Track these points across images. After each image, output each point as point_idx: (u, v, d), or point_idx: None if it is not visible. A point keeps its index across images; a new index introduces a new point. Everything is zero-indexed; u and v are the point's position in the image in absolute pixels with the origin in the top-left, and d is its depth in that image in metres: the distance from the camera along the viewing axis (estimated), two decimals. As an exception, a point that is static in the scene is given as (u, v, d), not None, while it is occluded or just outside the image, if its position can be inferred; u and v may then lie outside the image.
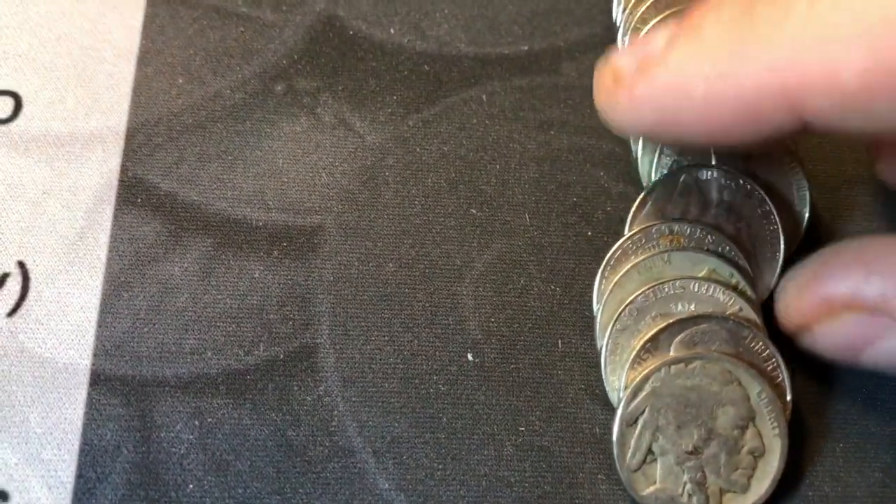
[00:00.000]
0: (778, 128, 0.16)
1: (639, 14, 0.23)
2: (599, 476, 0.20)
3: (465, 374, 0.20)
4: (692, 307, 0.18)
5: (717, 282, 0.18)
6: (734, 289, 0.18)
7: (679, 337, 0.17)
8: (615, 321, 0.18)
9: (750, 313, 0.18)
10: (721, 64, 0.16)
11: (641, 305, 0.18)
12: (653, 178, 0.21)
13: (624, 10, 0.24)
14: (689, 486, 0.18)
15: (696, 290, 0.18)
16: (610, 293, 0.19)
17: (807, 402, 0.20)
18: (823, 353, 0.19)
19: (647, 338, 0.18)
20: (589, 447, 0.20)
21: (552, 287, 0.22)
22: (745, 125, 0.17)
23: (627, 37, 0.24)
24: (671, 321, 0.18)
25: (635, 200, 0.22)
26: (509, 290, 0.22)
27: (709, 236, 0.19)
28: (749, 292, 0.19)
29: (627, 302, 0.18)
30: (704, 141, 0.18)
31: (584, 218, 0.23)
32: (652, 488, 0.18)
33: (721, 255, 0.19)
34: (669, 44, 0.18)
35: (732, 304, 0.18)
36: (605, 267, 0.20)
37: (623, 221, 0.23)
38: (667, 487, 0.18)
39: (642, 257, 0.19)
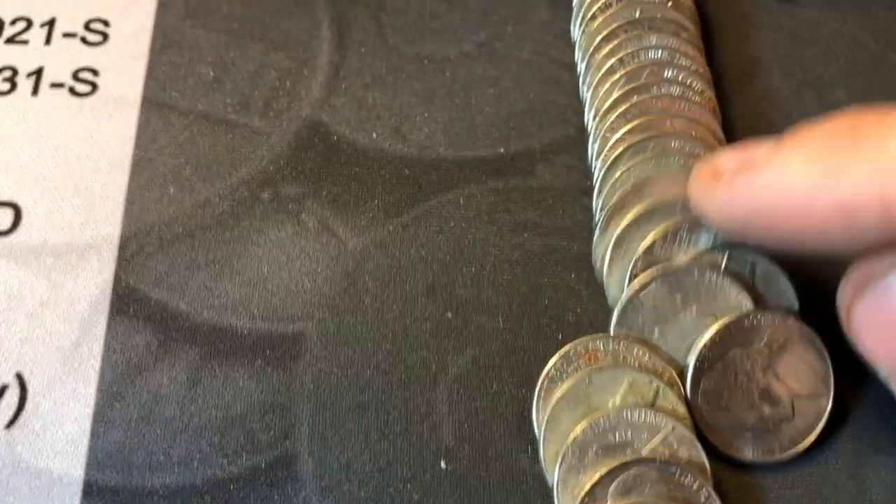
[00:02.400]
0: (871, 234, 0.18)
1: (608, 123, 0.24)
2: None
3: (439, 482, 0.21)
4: (629, 435, 0.19)
5: (645, 406, 0.20)
6: (653, 399, 0.20)
7: (612, 486, 0.18)
8: (561, 460, 0.19)
9: (682, 430, 0.19)
10: (823, 168, 0.18)
11: (581, 443, 0.19)
12: (624, 292, 0.22)
13: (595, 117, 0.25)
14: None
15: (629, 418, 0.19)
16: (547, 425, 0.20)
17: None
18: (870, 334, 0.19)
19: (583, 493, 0.19)
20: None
21: (523, 391, 0.23)
22: (839, 228, 0.18)
23: (597, 143, 0.25)
24: (602, 474, 0.19)
25: (602, 304, 0.23)
26: (482, 394, 0.23)
27: (622, 344, 0.21)
28: (675, 389, 0.20)
29: (569, 442, 0.19)
30: (796, 242, 0.19)
31: (555, 320, 0.24)
32: None
33: (639, 367, 0.20)
34: (774, 149, 0.19)
35: (664, 425, 0.19)
36: (537, 399, 0.21)
37: (592, 324, 0.24)
38: None
39: (568, 383, 0.20)
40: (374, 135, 0.27)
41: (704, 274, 0.20)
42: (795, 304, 0.21)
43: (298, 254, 0.25)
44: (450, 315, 0.24)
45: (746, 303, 0.21)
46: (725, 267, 0.20)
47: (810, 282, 0.22)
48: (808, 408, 0.21)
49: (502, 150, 0.27)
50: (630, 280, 0.21)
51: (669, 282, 0.21)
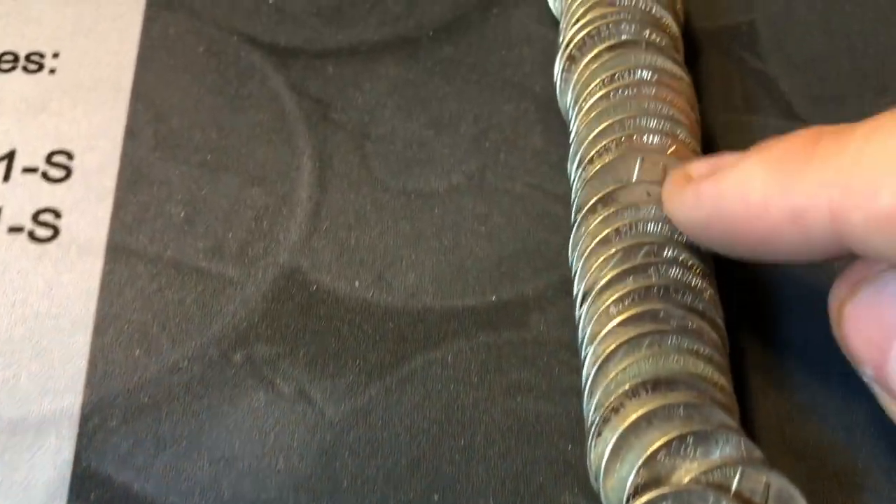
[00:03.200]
0: (821, 244, 0.19)
1: (602, 307, 0.22)
2: None
3: None
4: None
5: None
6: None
7: None
8: None
9: None
10: (779, 177, 0.19)
11: None
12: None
13: (586, 296, 0.23)
14: None
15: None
16: None
17: None
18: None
19: None
20: None
21: (515, 589, 0.21)
22: (791, 236, 0.19)
23: (590, 327, 0.23)
24: None
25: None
26: None
27: None
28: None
29: None
30: (752, 248, 0.20)
31: (550, 502, 0.22)
32: None
33: None
34: (740, 157, 0.20)
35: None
36: None
37: (590, 506, 0.22)
38: None
39: None
40: (357, 283, 0.25)
41: (720, 501, 0.18)
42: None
43: (272, 426, 0.23)
44: (436, 497, 0.22)
45: None
46: (737, 488, 0.19)
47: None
48: None
49: (493, 297, 0.25)
50: (631, 496, 0.19)
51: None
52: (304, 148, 0.27)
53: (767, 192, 0.19)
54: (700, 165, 0.22)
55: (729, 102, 0.28)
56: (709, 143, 0.26)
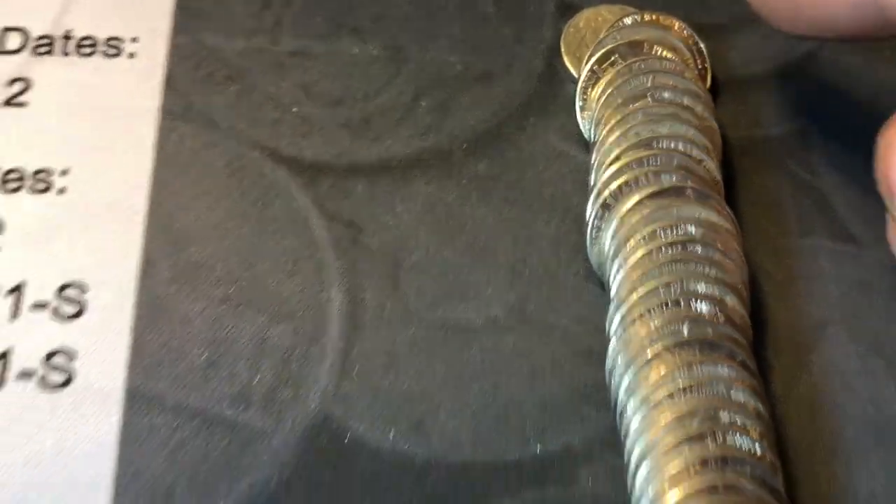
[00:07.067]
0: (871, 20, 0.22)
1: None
2: None
3: None
4: None
5: None
6: None
7: None
8: None
9: None
10: None
11: None
12: None
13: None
14: None
15: None
16: None
17: None
18: None
19: None
20: None
21: None
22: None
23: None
24: None
25: None
26: None
27: None
28: None
29: None
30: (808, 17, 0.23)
31: None
32: None
33: None
34: None
35: None
36: None
37: None
38: None
39: None
40: (392, 433, 0.23)
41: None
42: None
43: None
44: None
45: None
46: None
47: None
48: None
49: (538, 449, 0.23)
50: None
51: None
52: (333, 279, 0.25)
53: None
54: None
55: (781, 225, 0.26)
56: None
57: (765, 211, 0.26)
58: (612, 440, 0.23)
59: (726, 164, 0.26)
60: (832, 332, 0.25)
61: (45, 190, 0.25)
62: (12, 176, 0.26)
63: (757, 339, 0.24)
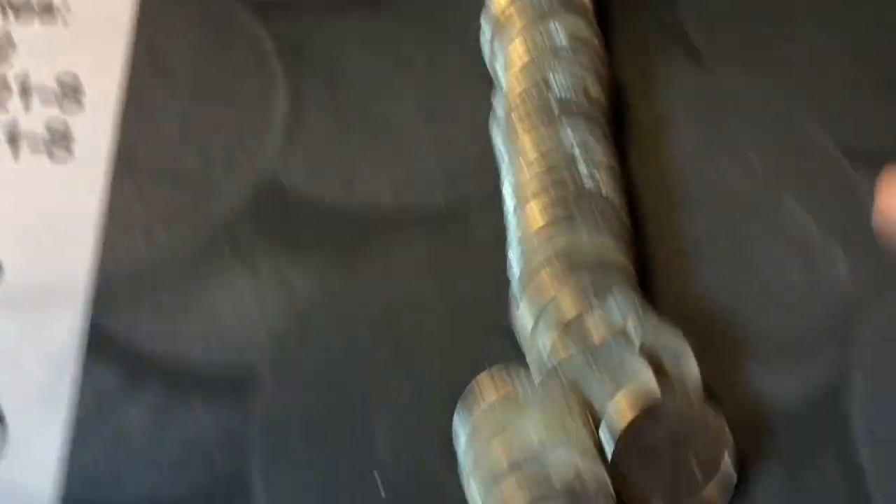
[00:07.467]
0: None
1: None
2: None
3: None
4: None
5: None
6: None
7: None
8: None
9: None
10: None
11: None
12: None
13: None
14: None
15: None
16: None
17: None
18: None
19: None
20: None
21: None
22: None
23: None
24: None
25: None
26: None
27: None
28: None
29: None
30: None
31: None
32: None
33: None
34: None
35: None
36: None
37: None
38: None
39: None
40: (327, 188, 0.29)
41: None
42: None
43: (253, 299, 0.27)
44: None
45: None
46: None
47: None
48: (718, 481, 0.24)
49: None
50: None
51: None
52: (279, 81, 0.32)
53: None
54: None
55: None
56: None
57: (634, 38, 0.33)
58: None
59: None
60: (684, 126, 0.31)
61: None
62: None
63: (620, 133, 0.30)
